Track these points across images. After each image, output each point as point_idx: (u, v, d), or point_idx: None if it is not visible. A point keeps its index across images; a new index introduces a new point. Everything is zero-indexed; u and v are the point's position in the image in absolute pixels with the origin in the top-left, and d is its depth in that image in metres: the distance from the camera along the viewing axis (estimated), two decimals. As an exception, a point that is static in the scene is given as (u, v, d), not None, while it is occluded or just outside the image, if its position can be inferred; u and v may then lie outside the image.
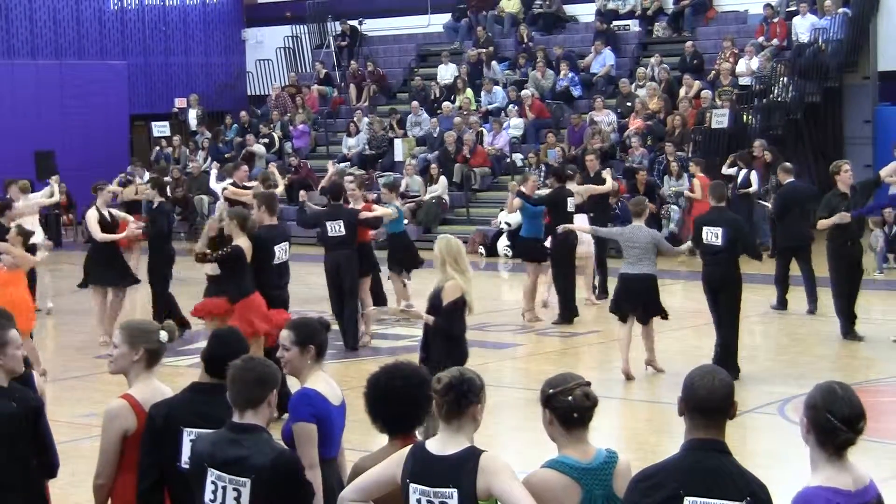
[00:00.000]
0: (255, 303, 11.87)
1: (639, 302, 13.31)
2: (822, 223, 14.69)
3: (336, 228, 14.94)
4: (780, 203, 17.52)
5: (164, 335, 6.08)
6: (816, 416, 4.39)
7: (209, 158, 29.98)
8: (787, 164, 18.37)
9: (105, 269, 15.97)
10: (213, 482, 5.20)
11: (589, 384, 4.93)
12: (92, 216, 16.00)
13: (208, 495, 5.21)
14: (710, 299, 13.35)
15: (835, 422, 4.36)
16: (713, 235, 13.03)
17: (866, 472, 4.51)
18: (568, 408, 4.86)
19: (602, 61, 28.23)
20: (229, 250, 11.88)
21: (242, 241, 11.94)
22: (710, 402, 4.52)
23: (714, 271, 13.15)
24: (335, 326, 15.59)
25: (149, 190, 16.48)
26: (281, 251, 12.58)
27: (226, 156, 28.06)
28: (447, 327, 9.67)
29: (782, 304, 17.35)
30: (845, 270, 14.82)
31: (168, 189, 19.75)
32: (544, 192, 18.48)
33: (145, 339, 6.07)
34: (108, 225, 16.16)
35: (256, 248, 12.18)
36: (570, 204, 16.68)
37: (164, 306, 15.88)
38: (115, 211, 16.87)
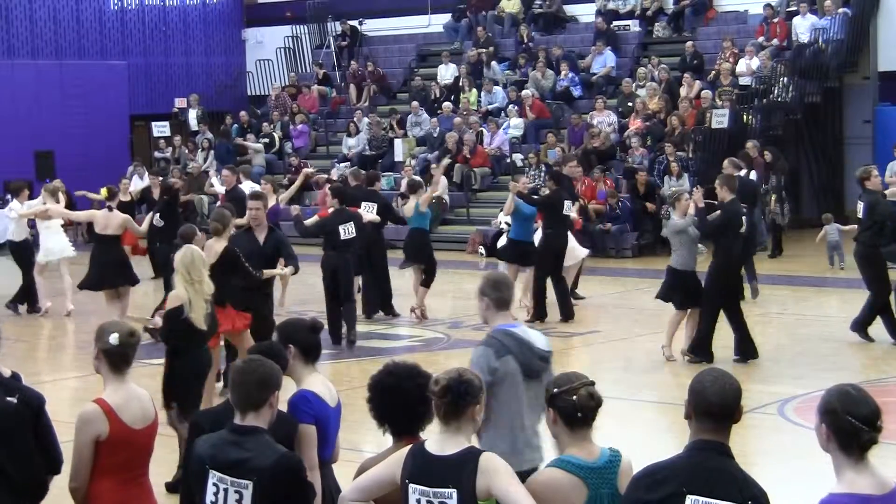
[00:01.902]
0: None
1: (678, 291, 13.93)
2: None
3: (348, 231, 15.24)
4: None
5: (113, 337, 5.97)
6: (837, 420, 4.35)
7: (209, 158, 30.01)
8: (735, 159, 18.52)
9: (106, 270, 16.03)
10: (214, 484, 5.19)
11: (593, 384, 4.94)
12: (122, 216, 16.19)
13: (209, 497, 5.20)
14: (731, 288, 13.84)
15: (857, 423, 4.32)
16: (743, 221, 13.74)
17: (891, 475, 4.47)
18: (572, 407, 4.87)
19: (603, 62, 28.22)
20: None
21: (220, 245, 11.89)
22: (720, 407, 4.52)
23: (743, 258, 14.22)
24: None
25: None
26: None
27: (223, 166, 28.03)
28: (162, 337, 9.63)
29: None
30: (882, 272, 14.85)
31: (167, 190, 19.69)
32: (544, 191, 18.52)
33: (99, 338, 6.03)
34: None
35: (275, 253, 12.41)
36: (568, 207, 16.69)
37: None
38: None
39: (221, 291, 11.65)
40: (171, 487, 9.04)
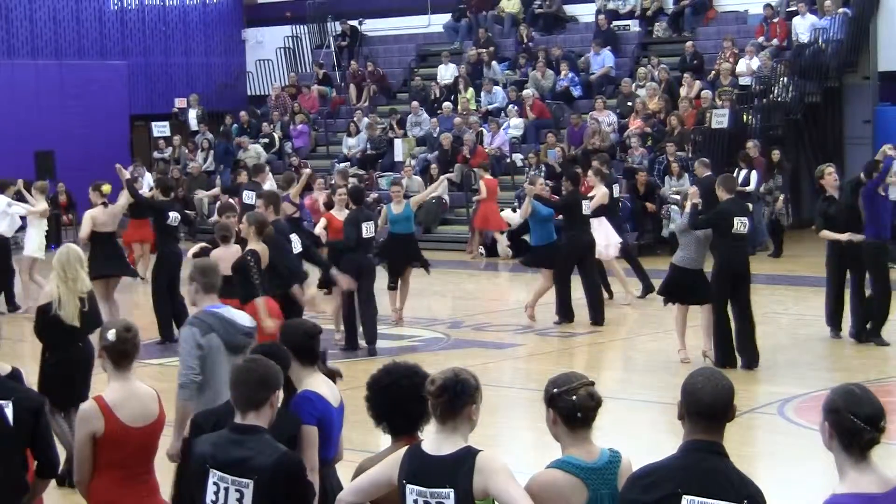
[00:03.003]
0: (265, 305, 11.88)
1: (679, 288, 14.01)
2: (826, 235, 14.86)
3: (369, 230, 15.20)
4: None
5: (111, 333, 6.04)
6: (839, 419, 4.35)
7: (208, 158, 30.03)
8: (705, 159, 18.70)
9: (103, 261, 16.09)
10: (215, 483, 5.20)
11: (593, 384, 4.93)
12: (87, 216, 16.20)
13: (210, 496, 5.21)
14: (727, 289, 13.63)
15: (859, 422, 4.33)
16: (741, 225, 13.59)
17: (894, 474, 4.47)
18: (572, 407, 4.85)
19: (601, 62, 28.22)
20: (250, 257, 11.89)
21: (257, 247, 11.96)
22: (713, 407, 4.51)
23: (743, 259, 13.89)
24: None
25: (154, 191, 16.56)
26: (296, 243, 13.31)
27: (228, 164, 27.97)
28: (36, 333, 9.78)
29: None
30: (843, 271, 14.89)
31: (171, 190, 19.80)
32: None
33: (101, 336, 6.11)
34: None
35: (274, 248, 12.42)
36: (586, 207, 16.61)
37: (166, 309, 15.92)
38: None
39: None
40: (59, 481, 9.09)
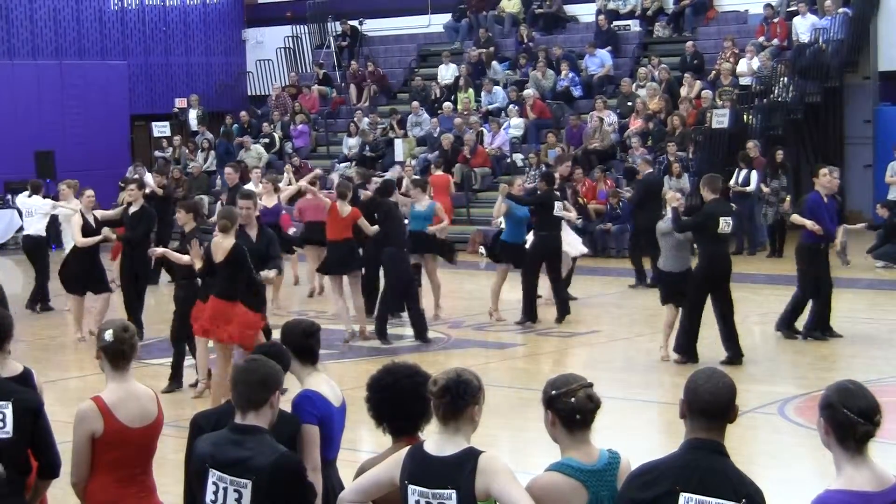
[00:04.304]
0: (219, 306, 11.81)
1: (664, 290, 14.18)
2: (796, 218, 15.08)
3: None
4: (640, 192, 19.76)
5: (108, 333, 6.04)
6: (834, 413, 4.39)
7: (209, 158, 30.02)
8: (648, 156, 18.89)
9: (79, 277, 16.12)
10: (214, 483, 5.20)
11: (591, 385, 4.92)
12: (75, 221, 16.09)
13: (209, 496, 5.21)
14: (709, 289, 13.67)
15: (852, 415, 4.36)
16: (726, 224, 13.58)
17: (891, 471, 4.48)
18: (571, 410, 4.85)
19: (600, 62, 28.21)
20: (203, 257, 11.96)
21: (228, 242, 11.86)
22: (713, 405, 4.52)
23: (727, 259, 13.91)
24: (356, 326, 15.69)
25: (133, 191, 16.18)
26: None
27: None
28: None
29: (641, 278, 19.31)
30: (815, 271, 14.95)
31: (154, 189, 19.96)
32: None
33: (99, 337, 6.10)
34: (91, 230, 16.13)
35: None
36: (558, 208, 16.68)
37: (136, 307, 15.88)
38: (100, 213, 16.72)
39: (231, 289, 11.74)
40: None
